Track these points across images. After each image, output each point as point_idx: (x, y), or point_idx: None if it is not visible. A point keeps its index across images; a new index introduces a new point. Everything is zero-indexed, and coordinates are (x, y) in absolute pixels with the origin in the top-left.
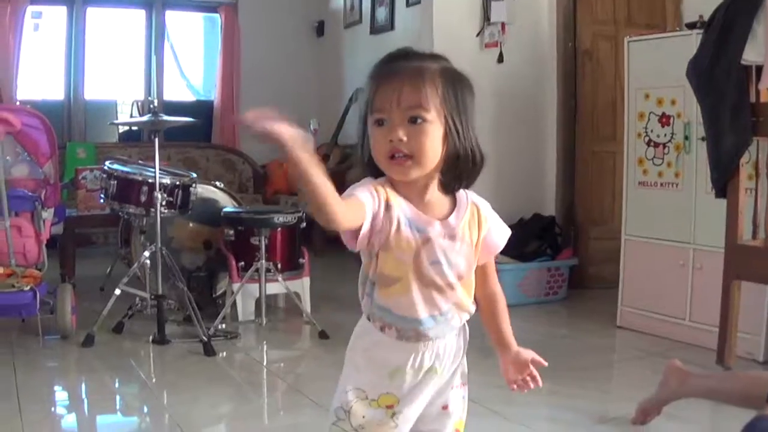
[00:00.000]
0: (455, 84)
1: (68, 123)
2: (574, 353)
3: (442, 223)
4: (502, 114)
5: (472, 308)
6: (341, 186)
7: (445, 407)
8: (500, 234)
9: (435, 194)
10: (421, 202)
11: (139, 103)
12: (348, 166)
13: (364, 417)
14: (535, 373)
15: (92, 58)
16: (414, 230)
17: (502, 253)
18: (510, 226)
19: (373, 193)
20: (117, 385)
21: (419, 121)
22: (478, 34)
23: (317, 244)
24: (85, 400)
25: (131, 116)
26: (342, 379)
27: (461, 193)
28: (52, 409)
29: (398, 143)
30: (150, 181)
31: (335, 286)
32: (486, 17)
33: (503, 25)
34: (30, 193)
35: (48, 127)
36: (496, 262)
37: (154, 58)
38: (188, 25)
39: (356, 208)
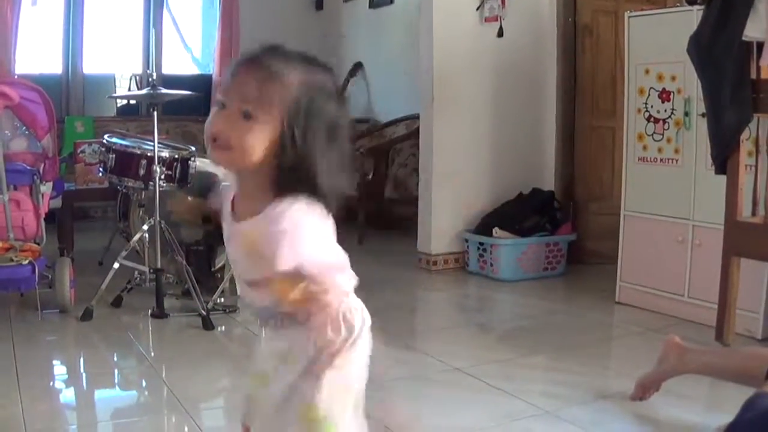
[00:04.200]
0: (313, 100)
1: (66, 97)
2: (573, 329)
3: (241, 224)
4: (502, 88)
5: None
6: None
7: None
8: (271, 246)
9: (262, 194)
10: (246, 200)
11: (138, 77)
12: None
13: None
14: None
15: (90, 31)
16: (226, 225)
17: (501, 227)
18: (509, 201)
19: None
20: (115, 359)
21: (250, 117)
22: (478, 8)
23: None
24: (84, 374)
25: (129, 90)
26: None
27: (287, 201)
28: (51, 383)
29: (221, 131)
30: (149, 154)
31: None
32: None
33: None
34: (28, 167)
35: (46, 100)
36: (496, 237)
37: (152, 31)
38: None
39: None
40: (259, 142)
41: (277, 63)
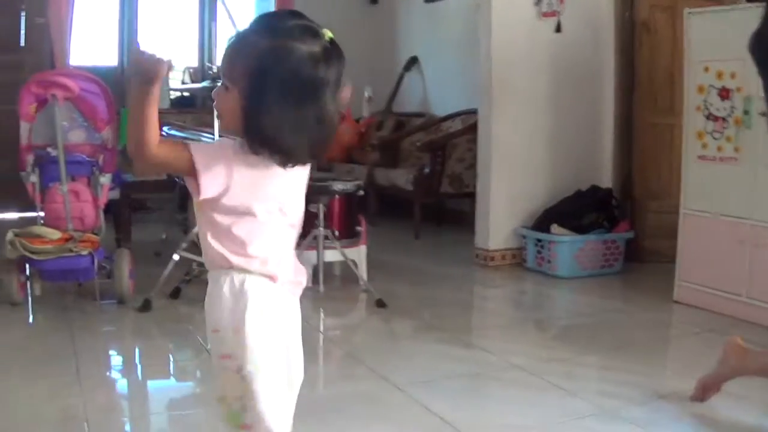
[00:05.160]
0: (275, 65)
1: (121, 89)
2: (630, 327)
3: None
4: (560, 84)
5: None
6: (396, 152)
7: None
8: None
9: None
10: None
11: (191, 70)
12: (403, 134)
13: None
14: None
15: (145, 23)
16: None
17: (560, 224)
18: (567, 198)
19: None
20: (173, 350)
21: (227, 89)
22: (536, 3)
23: (371, 213)
24: (143, 365)
25: (183, 82)
26: None
27: None
28: (110, 373)
29: (215, 103)
30: None
31: (390, 254)
32: None
33: None
34: (87, 158)
35: (106, 92)
36: (554, 234)
37: (209, 24)
38: None
39: None
40: (230, 108)
41: (245, 37)
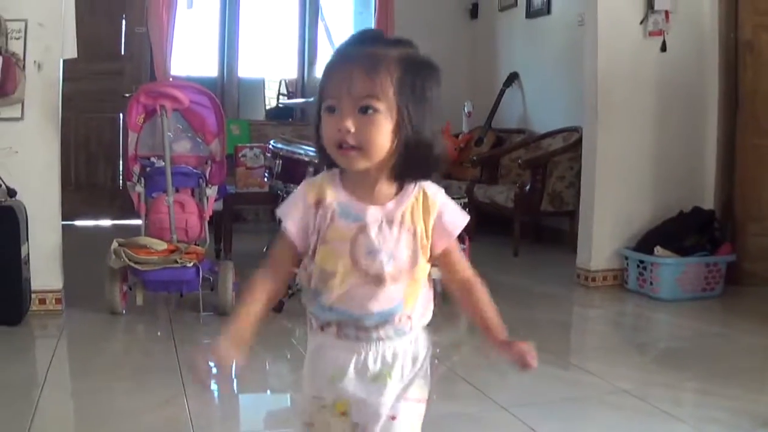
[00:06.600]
0: (414, 73)
1: (221, 100)
2: (733, 353)
3: (381, 208)
4: (664, 103)
5: (424, 313)
6: (495, 168)
7: (393, 417)
8: (453, 217)
9: (385, 183)
10: (369, 190)
11: (287, 81)
12: (503, 150)
13: (329, 424)
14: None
15: (245, 35)
16: (349, 218)
17: (662, 245)
18: (670, 219)
19: (297, 204)
20: (276, 363)
21: (370, 111)
22: (641, 22)
23: (468, 230)
24: (247, 378)
25: (279, 94)
26: (302, 389)
27: (411, 182)
28: (215, 386)
29: (346, 134)
30: (316, 161)
31: (489, 271)
32: (650, 4)
33: (667, 13)
34: (193, 170)
35: (217, 105)
36: (657, 256)
37: (308, 37)
38: (341, 3)
39: (288, 251)
40: (385, 132)
41: (372, 49)
